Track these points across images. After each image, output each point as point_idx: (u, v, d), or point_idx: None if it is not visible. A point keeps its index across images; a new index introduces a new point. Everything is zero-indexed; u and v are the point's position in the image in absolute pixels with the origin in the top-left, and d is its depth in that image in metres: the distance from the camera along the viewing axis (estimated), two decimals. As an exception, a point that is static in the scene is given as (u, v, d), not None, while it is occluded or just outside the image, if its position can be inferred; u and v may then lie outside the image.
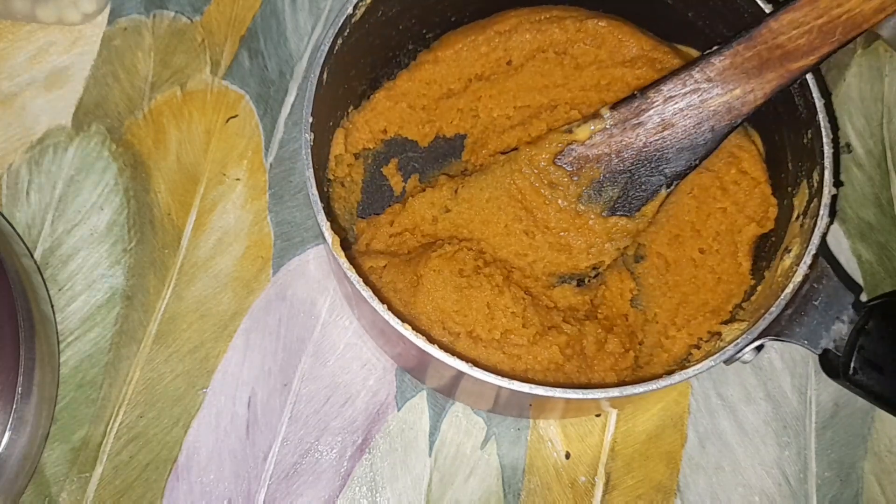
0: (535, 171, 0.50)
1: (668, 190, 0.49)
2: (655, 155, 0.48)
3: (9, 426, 0.46)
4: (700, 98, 0.47)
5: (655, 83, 0.49)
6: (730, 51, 0.46)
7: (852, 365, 0.42)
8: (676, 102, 0.47)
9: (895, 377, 0.42)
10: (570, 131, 0.50)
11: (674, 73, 0.48)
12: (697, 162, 0.48)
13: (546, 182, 0.50)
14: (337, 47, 0.47)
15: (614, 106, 0.50)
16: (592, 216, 0.50)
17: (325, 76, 0.46)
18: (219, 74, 0.61)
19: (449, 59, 0.56)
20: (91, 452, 0.51)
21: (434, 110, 0.56)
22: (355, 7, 0.48)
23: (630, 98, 0.49)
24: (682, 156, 0.48)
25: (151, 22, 0.63)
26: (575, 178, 0.50)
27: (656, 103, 0.48)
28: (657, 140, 0.48)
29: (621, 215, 0.50)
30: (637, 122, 0.48)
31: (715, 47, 0.47)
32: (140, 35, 0.62)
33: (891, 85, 0.64)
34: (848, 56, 0.64)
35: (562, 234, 0.50)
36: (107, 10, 0.62)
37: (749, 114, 0.46)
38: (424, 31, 0.56)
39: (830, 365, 0.44)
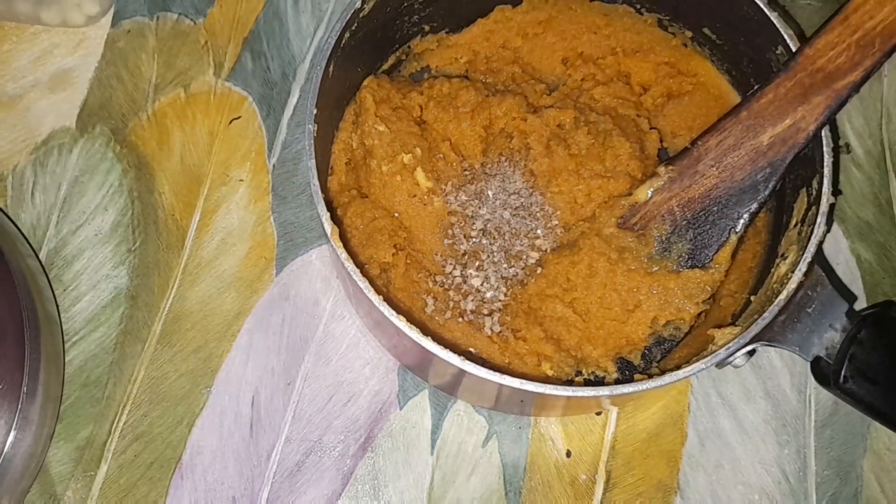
0: (602, 239, 0.50)
1: (738, 234, 0.49)
2: (718, 202, 0.48)
3: (14, 425, 0.46)
4: (752, 136, 0.47)
5: (706, 132, 0.49)
6: (771, 84, 0.46)
7: (843, 373, 0.42)
8: (729, 146, 0.47)
9: (885, 387, 0.42)
10: (629, 194, 0.51)
11: (722, 119, 0.48)
12: (763, 200, 0.48)
13: (613, 247, 0.50)
14: (344, 41, 0.48)
15: (669, 161, 0.50)
16: (664, 273, 0.49)
17: (331, 69, 0.47)
18: (222, 76, 0.61)
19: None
20: (96, 451, 0.51)
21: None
22: (364, 2, 0.48)
23: (683, 151, 0.50)
24: (745, 197, 0.48)
25: (155, 24, 0.63)
26: (642, 239, 0.50)
27: (710, 151, 0.48)
28: (717, 186, 0.48)
29: (694, 268, 0.49)
30: (694, 172, 0.49)
31: (756, 87, 0.47)
32: (143, 37, 0.62)
33: (890, 85, 0.64)
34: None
35: (632, 294, 0.49)
36: (110, 13, 0.63)
37: (805, 142, 0.46)
38: (429, 27, 0.57)
39: (822, 373, 0.44)
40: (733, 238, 0.49)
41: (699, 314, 0.50)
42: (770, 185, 0.47)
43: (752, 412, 0.54)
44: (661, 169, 0.50)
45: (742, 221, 0.48)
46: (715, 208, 0.48)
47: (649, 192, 0.50)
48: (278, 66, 0.62)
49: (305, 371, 0.54)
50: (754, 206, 0.48)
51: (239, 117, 0.60)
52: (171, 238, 0.57)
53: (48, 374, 0.50)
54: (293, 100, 0.61)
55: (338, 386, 0.53)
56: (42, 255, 0.56)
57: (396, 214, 0.51)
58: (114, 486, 0.51)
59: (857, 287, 0.58)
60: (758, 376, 0.55)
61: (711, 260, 0.49)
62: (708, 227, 0.49)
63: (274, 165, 0.59)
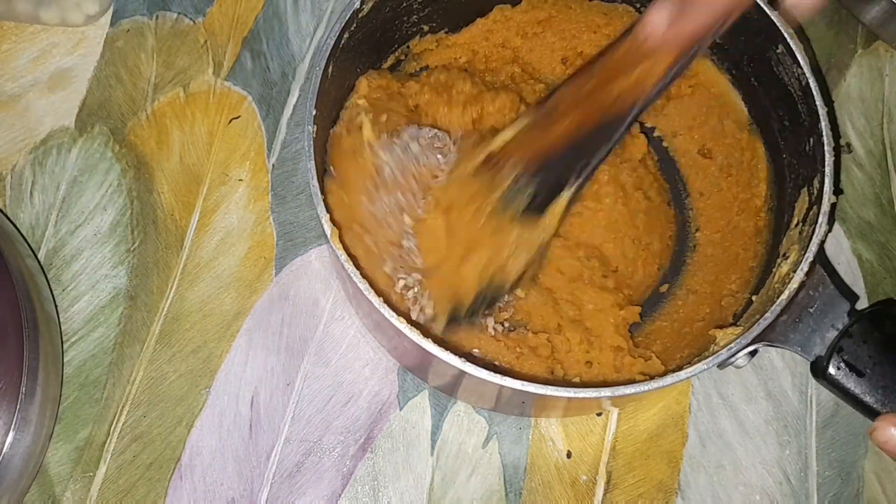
0: (458, 184, 0.49)
1: (571, 191, 0.47)
2: (566, 150, 0.46)
3: (13, 426, 0.46)
4: (602, 89, 0.45)
5: (565, 81, 0.48)
6: (620, 42, 0.44)
7: (830, 363, 0.43)
8: (583, 95, 0.46)
9: (872, 380, 0.42)
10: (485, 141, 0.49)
11: (578, 71, 0.47)
12: (602, 157, 0.46)
13: (467, 193, 0.48)
14: (343, 41, 0.48)
15: (529, 106, 0.49)
16: (506, 221, 0.47)
17: (330, 69, 0.47)
18: (221, 76, 0.61)
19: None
20: (95, 452, 0.51)
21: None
22: (362, 2, 0.48)
23: (544, 98, 0.49)
24: (594, 147, 0.46)
25: (154, 23, 0.63)
26: (493, 181, 0.48)
27: (566, 99, 0.47)
28: (567, 135, 0.46)
29: (530, 217, 0.47)
30: (550, 118, 0.47)
31: (612, 41, 0.46)
32: (143, 36, 0.62)
33: (891, 85, 0.64)
34: (848, 56, 0.64)
35: (470, 241, 0.48)
36: (110, 12, 0.63)
37: (654, 92, 0.44)
38: (428, 27, 0.56)
39: (816, 369, 0.44)
40: (565, 195, 0.47)
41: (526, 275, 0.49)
42: (613, 139, 0.46)
43: (753, 413, 0.54)
44: (523, 111, 0.49)
45: (578, 180, 0.47)
46: (562, 156, 0.47)
47: (503, 140, 0.48)
48: (278, 65, 0.62)
49: (305, 371, 0.54)
50: (594, 161, 0.46)
51: (238, 117, 0.60)
52: (170, 238, 0.56)
53: (47, 375, 0.50)
54: (292, 99, 0.61)
55: (337, 386, 0.53)
56: (41, 255, 0.55)
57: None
58: (113, 486, 0.51)
59: (858, 287, 0.57)
60: (759, 377, 0.55)
61: (544, 212, 0.47)
62: (552, 175, 0.47)
63: (273, 165, 0.59)
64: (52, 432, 0.51)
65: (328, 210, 0.44)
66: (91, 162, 0.58)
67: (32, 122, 0.59)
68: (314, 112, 0.45)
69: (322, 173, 0.50)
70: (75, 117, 0.59)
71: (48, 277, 0.55)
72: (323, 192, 0.44)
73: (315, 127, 0.45)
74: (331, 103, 0.50)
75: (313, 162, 0.44)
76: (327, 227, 0.43)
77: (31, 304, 0.50)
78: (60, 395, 0.52)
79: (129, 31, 0.62)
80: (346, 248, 0.43)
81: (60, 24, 0.62)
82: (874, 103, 0.63)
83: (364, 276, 0.42)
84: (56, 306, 0.54)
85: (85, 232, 0.56)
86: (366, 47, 0.52)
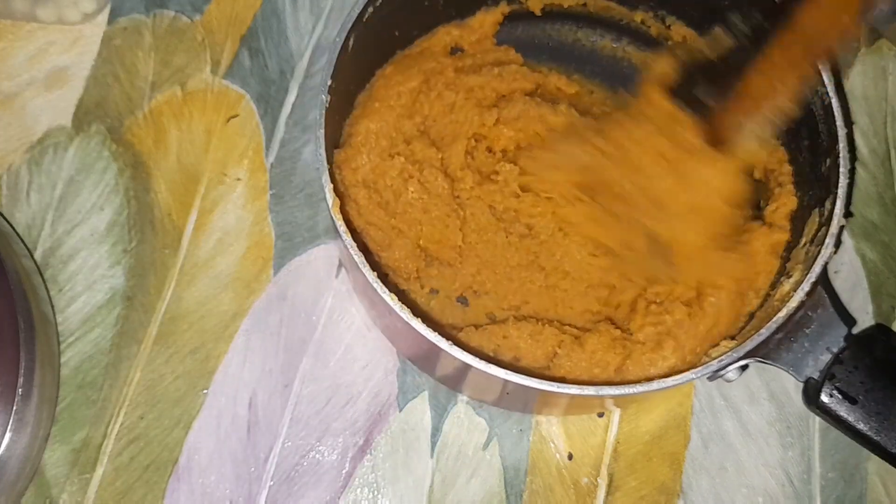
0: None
1: None
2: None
3: (9, 427, 0.46)
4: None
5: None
6: None
7: (822, 391, 0.42)
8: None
9: (865, 407, 0.42)
10: None
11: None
12: None
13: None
14: (367, 16, 0.47)
15: None
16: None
17: (350, 43, 0.46)
18: (219, 74, 0.61)
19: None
20: (92, 453, 0.51)
21: None
22: None
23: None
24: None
25: (152, 21, 0.62)
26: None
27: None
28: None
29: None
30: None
31: None
32: (140, 34, 0.62)
33: (895, 83, 0.63)
34: (852, 55, 0.64)
35: None
36: (107, 10, 0.62)
37: None
38: (453, 13, 0.55)
39: (808, 395, 0.43)
40: None
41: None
42: None
43: (756, 414, 0.54)
44: None
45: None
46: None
47: None
48: (276, 63, 0.61)
49: (303, 373, 0.53)
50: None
51: (236, 115, 0.60)
52: (167, 238, 0.56)
53: (43, 376, 0.49)
54: (291, 97, 0.61)
55: (336, 388, 0.53)
56: (37, 256, 0.55)
57: None
58: (110, 488, 0.50)
59: (862, 287, 0.57)
60: (762, 378, 0.54)
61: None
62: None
63: (272, 164, 0.59)
64: (49, 434, 0.51)
65: (332, 180, 0.43)
66: (88, 161, 0.58)
67: (29, 121, 0.59)
68: (329, 83, 0.45)
69: (331, 146, 0.49)
70: (72, 116, 0.59)
71: (44, 278, 0.54)
72: (329, 162, 0.44)
73: (329, 98, 0.45)
74: (348, 78, 0.49)
75: (323, 131, 0.44)
76: (329, 197, 0.43)
77: (28, 304, 0.49)
78: (57, 397, 0.52)
79: (126, 29, 0.62)
80: (346, 222, 0.43)
81: (57, 23, 0.61)
82: (878, 102, 0.62)
83: (360, 249, 0.42)
84: (52, 307, 0.54)
85: (81, 232, 0.56)
86: (387, 25, 0.51)
